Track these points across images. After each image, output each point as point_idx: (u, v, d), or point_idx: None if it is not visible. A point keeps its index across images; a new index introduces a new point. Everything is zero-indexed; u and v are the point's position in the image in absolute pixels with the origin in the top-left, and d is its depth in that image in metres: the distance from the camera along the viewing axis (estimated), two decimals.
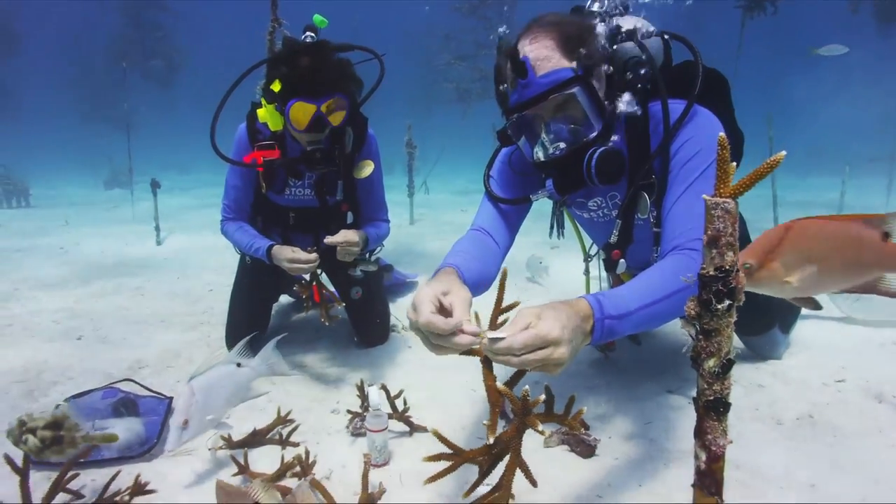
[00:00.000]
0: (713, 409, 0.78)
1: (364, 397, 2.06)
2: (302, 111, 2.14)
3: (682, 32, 1.80)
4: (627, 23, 1.68)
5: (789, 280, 1.05)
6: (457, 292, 1.27)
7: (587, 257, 2.22)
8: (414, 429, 2.00)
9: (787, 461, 1.78)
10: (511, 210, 1.90)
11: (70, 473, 1.53)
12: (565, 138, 1.61)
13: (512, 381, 1.28)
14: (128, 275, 4.43)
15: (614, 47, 1.62)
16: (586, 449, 1.83)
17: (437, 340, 1.17)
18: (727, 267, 0.72)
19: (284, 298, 3.45)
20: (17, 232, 6.72)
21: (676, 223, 1.53)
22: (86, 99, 17.04)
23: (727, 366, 0.77)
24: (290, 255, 2.25)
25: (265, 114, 2.26)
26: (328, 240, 2.27)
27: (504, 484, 1.25)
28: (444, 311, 1.22)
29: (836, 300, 3.04)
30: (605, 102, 1.60)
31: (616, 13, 1.70)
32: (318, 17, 2.30)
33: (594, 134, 1.60)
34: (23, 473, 1.41)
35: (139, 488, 1.43)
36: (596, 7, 1.68)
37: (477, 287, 1.55)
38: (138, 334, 3.04)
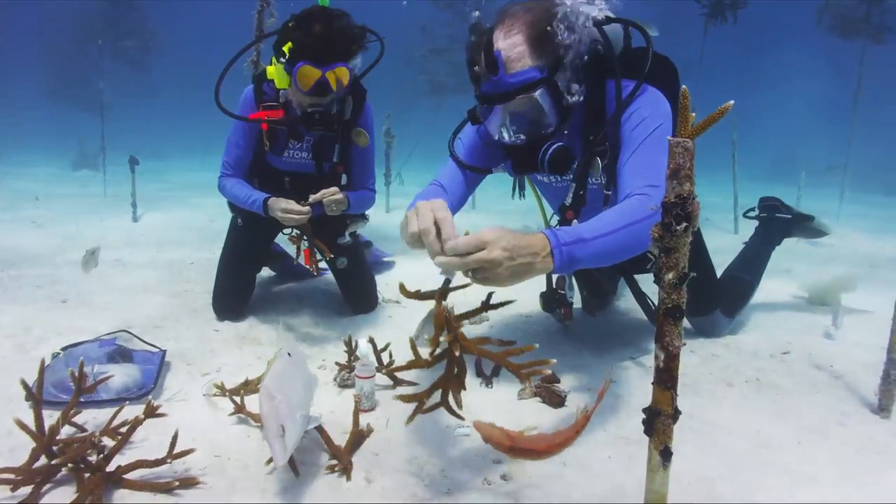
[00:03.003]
0: (671, 315, 0.94)
1: (352, 350, 2.20)
2: (308, 74, 2.30)
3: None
4: (592, 10, 1.87)
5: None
6: (446, 214, 1.45)
7: (548, 225, 2.41)
8: (398, 382, 2.15)
9: (735, 413, 1.99)
10: (471, 174, 2.12)
11: (73, 411, 1.63)
12: (526, 130, 1.85)
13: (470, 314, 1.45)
14: (106, 247, 4.42)
15: (578, 35, 1.80)
16: (557, 399, 2.00)
17: (419, 243, 1.42)
18: (685, 195, 0.89)
19: (266, 272, 3.55)
20: None
21: (628, 177, 1.73)
22: (53, 76, 16.58)
23: (683, 278, 0.93)
24: (285, 206, 2.43)
25: (274, 70, 2.41)
26: (312, 197, 2.43)
27: (430, 388, 1.44)
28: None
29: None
30: (572, 85, 1.81)
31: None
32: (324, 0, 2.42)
33: (551, 129, 1.83)
34: (37, 399, 1.50)
35: (151, 411, 1.54)
36: None
37: None
38: (123, 299, 3.11)
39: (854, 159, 9.24)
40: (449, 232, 1.38)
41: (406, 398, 1.39)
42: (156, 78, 18.54)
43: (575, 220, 1.96)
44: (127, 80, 15.30)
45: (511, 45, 1.72)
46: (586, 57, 1.82)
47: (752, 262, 3.02)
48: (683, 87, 0.90)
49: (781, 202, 3.27)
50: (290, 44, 2.31)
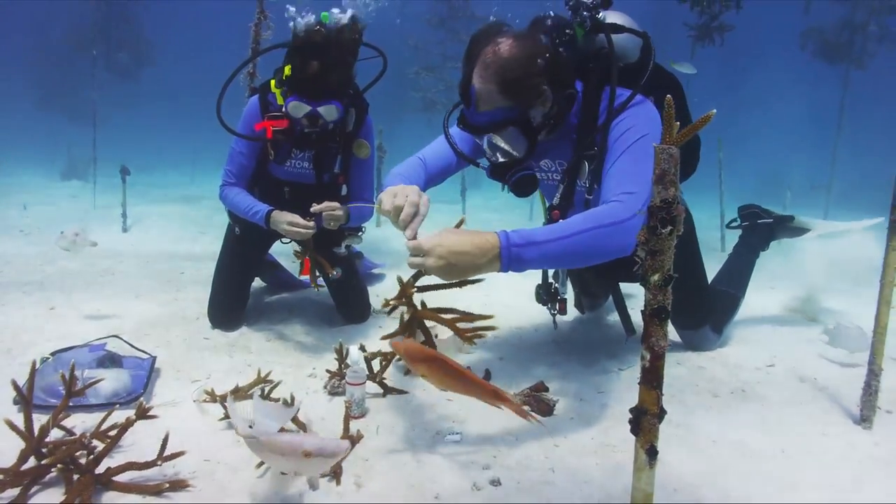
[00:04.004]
0: (657, 316, 0.97)
1: (343, 357, 2.20)
2: (299, 109, 2.37)
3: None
4: (612, 17, 1.98)
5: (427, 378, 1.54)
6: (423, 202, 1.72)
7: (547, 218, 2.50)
8: (387, 390, 2.16)
9: (721, 423, 2.01)
10: (456, 158, 2.22)
11: (62, 414, 1.63)
12: (498, 154, 1.96)
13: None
14: (95, 257, 4.41)
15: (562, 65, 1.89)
16: (545, 408, 2.02)
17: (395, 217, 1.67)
18: (670, 199, 0.93)
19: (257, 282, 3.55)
20: None
21: (607, 184, 1.78)
22: (43, 86, 16.46)
23: (668, 280, 0.96)
24: (290, 219, 2.44)
25: (275, 88, 2.46)
26: (314, 207, 2.41)
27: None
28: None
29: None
30: (550, 112, 1.89)
31: (597, 6, 1.95)
32: (325, 15, 2.46)
33: (520, 157, 1.93)
34: (27, 401, 1.50)
35: (143, 412, 1.54)
36: None
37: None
38: (113, 306, 3.09)
39: (838, 180, 9.42)
40: (414, 224, 1.65)
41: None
42: (147, 88, 18.51)
43: (560, 220, 2.02)
44: (118, 90, 15.23)
45: (485, 88, 1.79)
46: (588, 62, 1.92)
47: (736, 274, 3.05)
48: (668, 96, 0.94)
49: (760, 207, 3.29)
50: (288, 70, 2.36)
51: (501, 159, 1.95)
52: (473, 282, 1.67)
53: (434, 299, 1.98)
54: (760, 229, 3.22)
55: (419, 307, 1.97)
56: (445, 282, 1.59)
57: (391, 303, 1.87)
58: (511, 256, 1.54)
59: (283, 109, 2.44)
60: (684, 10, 6.97)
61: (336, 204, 2.46)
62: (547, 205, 2.51)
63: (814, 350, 2.80)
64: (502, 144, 1.90)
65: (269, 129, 2.48)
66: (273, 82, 2.48)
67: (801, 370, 2.53)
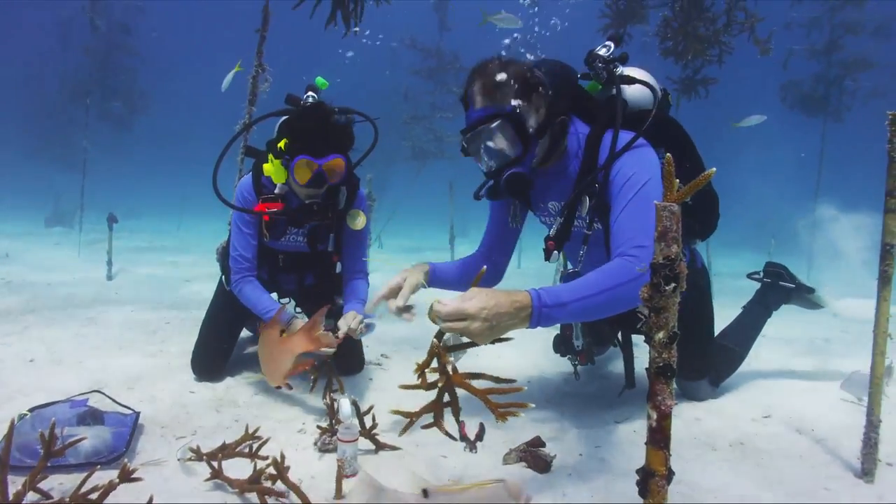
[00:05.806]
0: (662, 374, 0.95)
1: (335, 412, 2.14)
2: (305, 167, 2.37)
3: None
4: (630, 72, 2.10)
5: None
6: (409, 279, 1.96)
7: (564, 266, 2.53)
8: (380, 447, 2.09)
9: (722, 478, 1.97)
10: (502, 223, 2.44)
11: (39, 475, 1.56)
12: (493, 158, 2.02)
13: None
14: (79, 306, 4.35)
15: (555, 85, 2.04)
16: (542, 464, 1.96)
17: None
18: (672, 256, 0.92)
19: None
20: None
21: (619, 234, 1.84)
22: (35, 134, 16.45)
23: (673, 337, 0.95)
24: None
25: (271, 168, 2.47)
26: (342, 333, 2.40)
27: (422, 409, 1.68)
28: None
29: None
30: (544, 124, 1.99)
31: (611, 60, 2.11)
32: (320, 80, 2.51)
33: (513, 158, 1.99)
34: (2, 463, 1.43)
35: (126, 475, 1.47)
36: (602, 52, 2.12)
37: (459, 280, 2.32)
38: (95, 358, 3.01)
39: (820, 228, 9.56)
40: (403, 294, 1.90)
41: (399, 413, 1.68)
42: (137, 137, 18.57)
43: (555, 252, 2.13)
44: (108, 139, 15.25)
45: (482, 86, 1.95)
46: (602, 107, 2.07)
47: (745, 331, 3.03)
48: (668, 154, 0.95)
49: (787, 270, 3.27)
50: (285, 140, 2.40)
51: (496, 166, 2.01)
52: (502, 339, 1.64)
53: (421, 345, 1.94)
54: (779, 290, 3.22)
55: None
56: (477, 343, 1.57)
57: (426, 372, 1.70)
58: (542, 315, 1.60)
59: (288, 173, 2.44)
60: (668, 64, 7.20)
61: (356, 321, 2.47)
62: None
63: (809, 399, 2.78)
64: (496, 145, 1.97)
65: (266, 214, 2.50)
66: (267, 166, 2.49)
67: (798, 421, 2.50)
